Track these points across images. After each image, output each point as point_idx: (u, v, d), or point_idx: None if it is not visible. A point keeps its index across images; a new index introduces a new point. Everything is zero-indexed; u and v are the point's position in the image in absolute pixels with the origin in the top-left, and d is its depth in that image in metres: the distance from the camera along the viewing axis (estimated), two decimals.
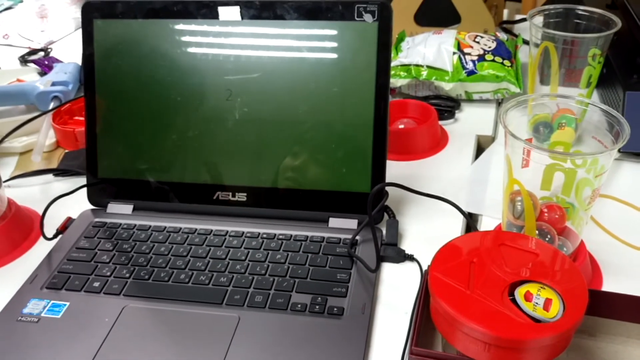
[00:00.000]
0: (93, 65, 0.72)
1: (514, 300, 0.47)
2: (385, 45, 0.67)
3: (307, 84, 0.68)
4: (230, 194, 0.71)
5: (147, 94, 0.71)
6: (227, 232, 0.69)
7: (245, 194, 0.71)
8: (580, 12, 0.82)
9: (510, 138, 0.57)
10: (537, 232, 0.60)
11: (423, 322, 0.55)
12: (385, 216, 0.71)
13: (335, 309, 0.58)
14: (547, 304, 0.47)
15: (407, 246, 0.68)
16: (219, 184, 0.71)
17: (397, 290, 0.62)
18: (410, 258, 0.66)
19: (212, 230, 0.70)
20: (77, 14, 1.38)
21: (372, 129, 0.68)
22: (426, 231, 0.70)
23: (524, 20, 1.24)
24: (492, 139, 0.89)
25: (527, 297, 0.48)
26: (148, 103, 0.71)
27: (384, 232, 0.68)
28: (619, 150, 0.82)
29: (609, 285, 0.62)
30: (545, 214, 0.61)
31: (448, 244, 0.53)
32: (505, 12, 1.27)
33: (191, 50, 0.70)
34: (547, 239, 0.60)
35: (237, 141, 0.70)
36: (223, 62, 0.69)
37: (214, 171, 0.71)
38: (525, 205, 0.59)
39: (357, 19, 0.67)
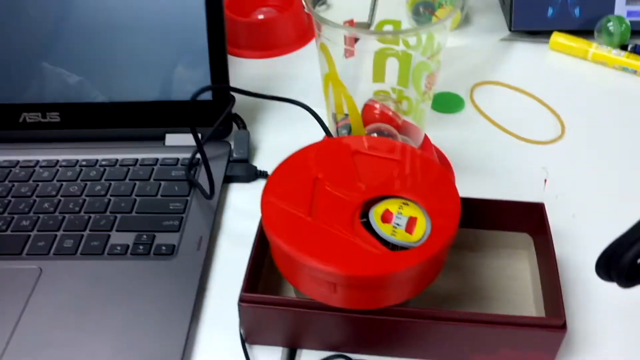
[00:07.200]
0: None
1: (367, 224, 0.37)
2: None
3: None
4: (40, 114, 0.57)
5: None
6: (38, 162, 0.55)
7: (58, 114, 0.57)
8: None
9: (325, 27, 0.44)
10: (375, 134, 0.49)
11: (268, 259, 0.45)
12: (235, 127, 0.59)
13: (163, 248, 0.47)
14: (410, 224, 0.37)
15: (260, 162, 0.56)
16: (23, 103, 0.56)
17: (245, 217, 0.51)
18: (264, 175, 0.54)
19: (18, 162, 0.55)
20: None
21: (206, 19, 0.54)
22: (285, 143, 0.57)
23: None
24: (368, 26, 0.76)
25: (386, 217, 0.37)
26: None
27: (232, 146, 0.56)
28: (510, 30, 0.73)
29: (462, 185, 0.52)
30: (376, 113, 0.50)
31: (289, 158, 0.41)
32: None
33: None
34: None
35: (44, 48, 0.55)
36: None
37: (16, 87, 0.56)
38: (347, 103, 0.47)
39: None
